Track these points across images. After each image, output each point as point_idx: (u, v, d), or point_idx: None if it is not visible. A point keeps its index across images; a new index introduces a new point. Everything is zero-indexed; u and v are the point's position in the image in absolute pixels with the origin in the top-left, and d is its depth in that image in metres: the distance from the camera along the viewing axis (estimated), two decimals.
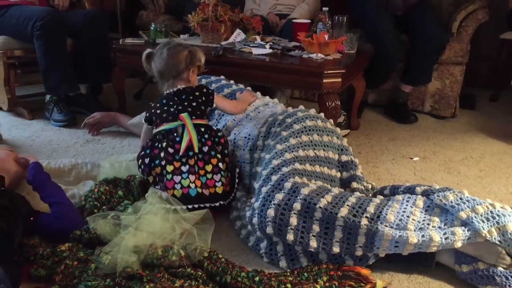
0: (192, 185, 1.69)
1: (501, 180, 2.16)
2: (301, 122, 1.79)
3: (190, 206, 1.65)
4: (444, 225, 1.41)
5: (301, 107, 1.94)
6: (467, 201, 1.45)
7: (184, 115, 1.77)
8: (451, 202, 1.45)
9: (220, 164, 1.76)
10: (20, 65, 2.91)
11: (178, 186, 1.68)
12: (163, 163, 1.72)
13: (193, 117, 1.79)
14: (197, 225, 1.53)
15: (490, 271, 1.38)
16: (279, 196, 1.49)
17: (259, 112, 2.07)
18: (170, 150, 1.72)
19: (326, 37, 2.38)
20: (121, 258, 1.34)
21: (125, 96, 2.87)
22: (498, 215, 1.40)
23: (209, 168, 1.73)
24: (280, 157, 1.66)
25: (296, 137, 1.74)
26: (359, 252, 1.44)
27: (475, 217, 1.39)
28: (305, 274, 1.43)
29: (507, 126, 2.88)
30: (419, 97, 3.07)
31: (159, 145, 1.75)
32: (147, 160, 1.75)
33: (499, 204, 1.47)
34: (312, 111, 1.90)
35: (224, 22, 2.58)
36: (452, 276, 1.46)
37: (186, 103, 1.82)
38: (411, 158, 2.39)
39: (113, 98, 2.94)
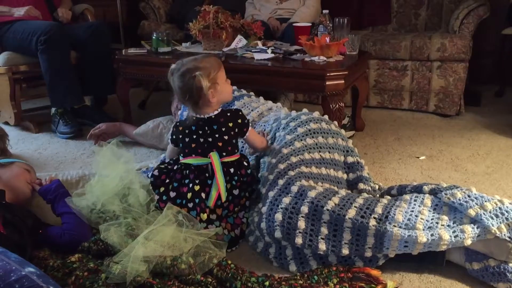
0: (226, 231, 1.65)
1: (509, 176, 2.14)
2: (305, 125, 1.80)
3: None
4: (453, 223, 1.41)
5: (305, 110, 1.94)
6: (475, 198, 1.44)
7: (213, 156, 1.65)
8: (459, 199, 1.44)
9: (247, 203, 1.73)
10: (24, 79, 2.93)
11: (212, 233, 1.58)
12: (190, 205, 1.64)
13: (224, 154, 1.68)
14: (212, 240, 1.52)
15: (501, 267, 1.37)
16: (286, 200, 1.49)
17: (263, 117, 2.08)
18: (203, 195, 1.64)
19: (328, 39, 2.38)
20: (131, 268, 1.35)
21: (129, 106, 2.89)
22: (507, 211, 1.39)
23: (237, 209, 1.70)
24: (285, 161, 1.66)
25: (301, 140, 1.74)
26: (368, 253, 1.44)
27: (484, 214, 1.38)
28: (315, 277, 1.42)
29: None
30: (423, 97, 3.07)
31: (190, 185, 1.65)
32: (172, 194, 1.67)
33: (507, 200, 1.46)
34: (316, 114, 1.90)
35: (225, 29, 2.59)
36: (463, 274, 1.45)
37: (217, 136, 1.68)
38: (418, 157, 2.39)
39: (118, 108, 2.96)
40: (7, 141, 2.25)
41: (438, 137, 2.67)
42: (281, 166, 1.64)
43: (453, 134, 2.71)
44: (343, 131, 1.90)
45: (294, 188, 1.52)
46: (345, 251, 1.44)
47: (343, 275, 1.42)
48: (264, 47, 2.55)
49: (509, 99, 3.39)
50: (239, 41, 2.63)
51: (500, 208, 1.40)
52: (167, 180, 1.71)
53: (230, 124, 1.70)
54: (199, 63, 1.67)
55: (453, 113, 3.01)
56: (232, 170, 1.68)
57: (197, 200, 1.64)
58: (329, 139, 1.80)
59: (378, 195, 1.76)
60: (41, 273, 1.12)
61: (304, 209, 1.46)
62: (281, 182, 1.57)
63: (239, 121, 1.72)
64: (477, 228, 1.38)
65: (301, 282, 1.40)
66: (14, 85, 2.82)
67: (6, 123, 2.95)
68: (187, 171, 1.68)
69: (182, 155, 1.72)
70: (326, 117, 1.93)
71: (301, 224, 1.45)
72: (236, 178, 1.69)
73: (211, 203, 1.64)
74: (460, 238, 1.37)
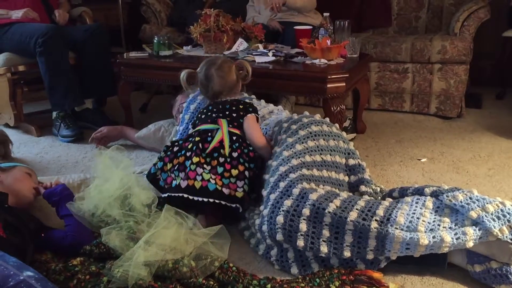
0: (212, 181, 1.69)
1: (511, 178, 2.14)
2: (306, 127, 1.80)
3: (206, 200, 1.66)
4: (455, 225, 1.41)
5: (306, 113, 1.94)
6: (477, 200, 1.44)
7: (222, 121, 1.85)
8: (461, 202, 1.44)
9: (246, 173, 1.75)
10: (26, 82, 2.94)
11: (199, 178, 1.69)
12: (188, 154, 1.75)
13: (230, 126, 1.84)
14: (213, 240, 1.53)
15: (504, 269, 1.37)
16: (287, 203, 1.49)
17: (264, 120, 2.08)
18: (200, 145, 1.76)
19: (328, 42, 2.38)
20: (133, 272, 1.34)
21: (131, 109, 2.89)
22: (508, 213, 1.39)
23: (234, 172, 1.73)
24: (287, 163, 1.66)
25: (302, 143, 1.74)
26: (370, 256, 1.43)
27: (485, 216, 1.38)
28: (317, 279, 1.42)
29: None
30: (424, 99, 3.07)
31: (192, 139, 1.80)
32: (175, 149, 1.81)
33: (509, 202, 1.46)
34: (317, 117, 1.90)
35: (226, 32, 2.59)
36: (465, 276, 1.45)
37: (227, 112, 1.89)
38: (419, 160, 2.38)
39: (119, 111, 2.96)
40: (11, 145, 2.25)
41: (439, 139, 2.67)
42: (282, 169, 1.64)
43: (454, 136, 2.71)
44: (344, 133, 1.91)
45: (296, 191, 1.52)
46: (347, 254, 1.44)
47: (345, 277, 1.42)
48: (265, 50, 2.55)
49: (510, 101, 3.39)
50: (240, 44, 2.64)
51: (502, 210, 1.40)
52: (176, 144, 1.85)
53: (241, 107, 1.93)
54: (229, 59, 2.13)
55: (454, 115, 3.01)
56: (235, 138, 1.81)
57: (194, 147, 1.75)
58: (331, 142, 1.80)
59: (379, 198, 1.76)
60: (40, 277, 1.12)
61: (306, 211, 1.46)
62: (282, 184, 1.57)
63: (248, 106, 1.94)
64: (479, 230, 1.37)
65: (303, 285, 1.40)
66: (13, 85, 2.82)
67: (7, 125, 2.96)
68: (193, 134, 1.84)
69: (193, 128, 1.93)
70: (327, 119, 1.94)
71: (303, 226, 1.45)
72: (237, 144, 1.79)
73: (210, 146, 1.75)
74: (462, 240, 1.37)
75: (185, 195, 1.67)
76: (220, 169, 1.72)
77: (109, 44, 3.05)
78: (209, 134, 1.81)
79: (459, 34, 2.96)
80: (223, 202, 1.67)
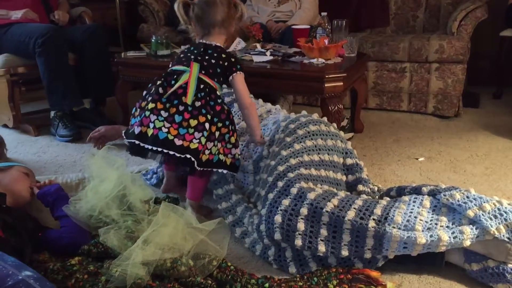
0: (164, 129, 1.63)
1: (508, 177, 2.15)
2: (304, 127, 1.80)
3: (154, 148, 1.62)
4: (452, 224, 1.41)
5: (304, 112, 1.95)
6: (474, 199, 1.45)
7: (194, 64, 1.73)
8: (458, 201, 1.45)
9: (207, 125, 1.66)
10: (24, 82, 2.93)
11: (151, 125, 1.64)
12: (149, 98, 1.70)
13: (203, 72, 1.72)
14: (212, 235, 1.53)
15: (501, 268, 1.37)
16: (285, 202, 1.50)
17: (262, 119, 2.08)
18: (161, 90, 1.68)
19: (326, 41, 2.39)
20: (131, 272, 1.34)
21: (129, 108, 2.89)
22: (505, 212, 1.40)
23: (193, 123, 1.65)
24: (285, 163, 1.66)
25: (300, 142, 1.74)
26: (368, 255, 1.44)
27: (482, 215, 1.39)
28: (315, 278, 1.43)
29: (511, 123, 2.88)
30: (421, 98, 3.07)
31: (157, 82, 1.72)
32: (144, 93, 1.76)
33: (506, 201, 1.46)
34: (315, 116, 1.90)
35: None
36: (462, 275, 1.46)
37: (207, 57, 1.76)
38: (417, 159, 2.39)
39: (117, 111, 2.96)
40: (5, 149, 2.26)
41: (437, 138, 2.68)
42: (280, 168, 1.64)
43: (451, 135, 2.72)
44: (342, 133, 1.91)
45: (294, 190, 1.52)
46: (345, 253, 1.44)
47: (343, 276, 1.42)
48: (263, 50, 2.55)
49: (507, 100, 3.40)
50: (238, 44, 2.64)
51: (498, 209, 1.41)
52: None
53: (223, 56, 1.78)
54: None
55: (452, 114, 3.01)
56: (202, 86, 1.70)
57: (154, 91, 1.70)
58: (328, 141, 1.80)
59: (377, 197, 1.76)
60: (39, 277, 1.12)
61: (304, 211, 1.46)
62: (280, 184, 1.57)
63: (233, 60, 1.80)
64: (476, 229, 1.38)
65: (301, 283, 1.41)
66: (12, 87, 2.82)
67: (5, 125, 2.95)
68: (163, 74, 1.74)
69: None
70: (325, 119, 1.94)
71: (301, 226, 1.45)
72: (203, 94, 1.69)
73: (169, 91, 1.67)
74: (459, 239, 1.37)
75: (137, 142, 1.65)
76: (178, 118, 1.65)
77: (108, 44, 3.05)
78: (175, 76, 1.71)
79: (456, 34, 2.96)
80: (171, 152, 1.62)
